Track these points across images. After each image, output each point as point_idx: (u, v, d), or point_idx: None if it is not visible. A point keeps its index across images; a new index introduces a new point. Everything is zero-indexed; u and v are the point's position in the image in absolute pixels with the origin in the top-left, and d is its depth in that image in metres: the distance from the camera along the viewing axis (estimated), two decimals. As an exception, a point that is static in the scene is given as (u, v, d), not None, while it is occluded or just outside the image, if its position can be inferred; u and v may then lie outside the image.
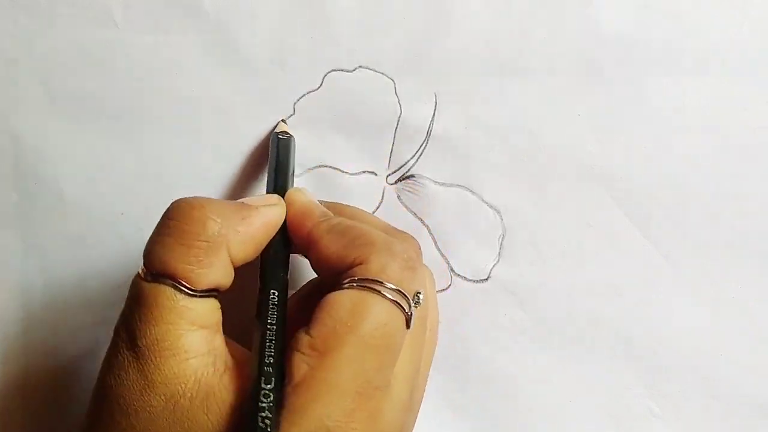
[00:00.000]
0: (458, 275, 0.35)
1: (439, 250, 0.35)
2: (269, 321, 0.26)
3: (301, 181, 0.35)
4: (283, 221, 0.28)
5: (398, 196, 0.35)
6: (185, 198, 0.26)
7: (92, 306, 0.35)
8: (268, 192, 0.31)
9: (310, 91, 0.34)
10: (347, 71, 0.34)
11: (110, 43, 0.34)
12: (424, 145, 0.35)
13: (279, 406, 0.23)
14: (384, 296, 0.25)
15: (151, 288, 0.25)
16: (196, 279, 0.25)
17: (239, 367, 0.25)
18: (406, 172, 0.35)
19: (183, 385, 0.24)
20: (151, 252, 0.25)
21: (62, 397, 0.35)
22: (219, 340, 0.26)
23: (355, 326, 0.24)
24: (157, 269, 0.25)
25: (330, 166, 0.35)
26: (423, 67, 0.34)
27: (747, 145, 0.34)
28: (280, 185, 0.31)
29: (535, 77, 0.34)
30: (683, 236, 0.35)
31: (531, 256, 0.35)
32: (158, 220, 0.26)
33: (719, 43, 0.34)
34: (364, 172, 0.35)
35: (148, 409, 0.24)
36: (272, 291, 0.27)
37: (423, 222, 0.35)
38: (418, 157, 0.35)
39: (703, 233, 0.35)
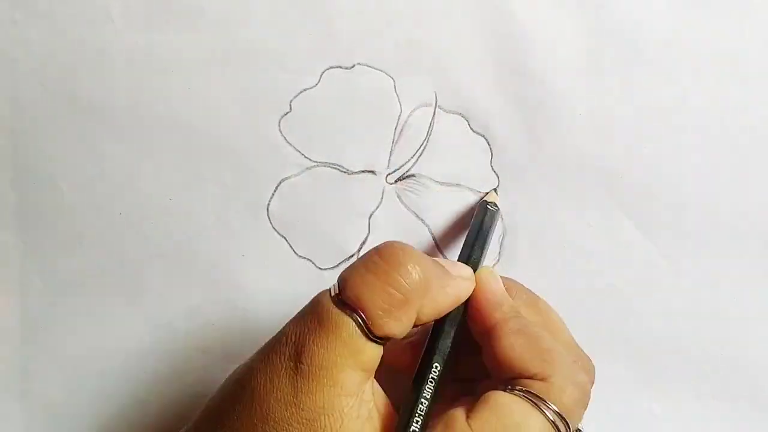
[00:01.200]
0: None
1: (439, 249, 0.35)
2: (424, 394, 0.26)
3: (300, 181, 0.35)
4: (467, 297, 0.29)
5: (398, 196, 0.35)
6: (401, 244, 0.26)
7: (91, 306, 0.35)
8: (461, 259, 0.31)
9: (307, 89, 0.34)
10: (346, 68, 0.34)
11: (109, 42, 0.34)
12: (424, 144, 0.35)
13: None
14: (547, 417, 0.25)
15: (337, 315, 0.25)
16: (381, 325, 0.25)
17: (382, 418, 0.26)
18: (406, 171, 0.35)
19: (327, 418, 0.24)
20: (350, 280, 0.26)
21: (62, 397, 0.36)
22: (369, 387, 0.26)
23: None
24: (350, 300, 0.25)
25: (329, 165, 0.35)
26: (423, 65, 0.34)
27: (747, 145, 0.34)
28: (474, 257, 0.31)
29: (535, 77, 0.34)
30: (683, 236, 0.35)
31: (531, 256, 0.35)
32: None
33: (719, 43, 0.34)
34: (363, 171, 0.35)
35: (286, 426, 0.24)
36: (435, 363, 0.27)
37: (423, 221, 0.35)
38: (419, 157, 0.35)
39: (703, 233, 0.35)
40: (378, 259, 0.26)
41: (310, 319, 0.25)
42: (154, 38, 0.34)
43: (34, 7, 0.34)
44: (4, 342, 0.35)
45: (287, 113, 0.34)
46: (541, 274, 0.35)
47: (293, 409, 0.24)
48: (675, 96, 0.34)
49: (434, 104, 0.35)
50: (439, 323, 0.28)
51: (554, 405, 0.25)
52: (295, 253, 0.35)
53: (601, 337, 0.35)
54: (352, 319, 0.25)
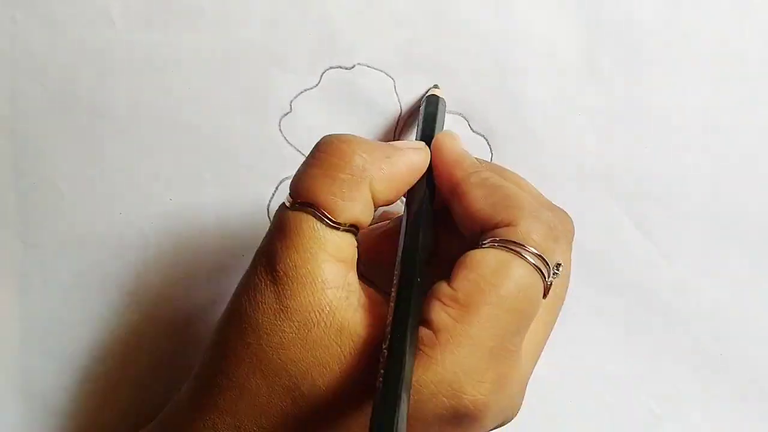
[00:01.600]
0: None
1: None
2: (410, 266, 0.26)
3: None
4: (427, 167, 0.29)
5: None
6: (335, 134, 0.27)
7: (91, 305, 0.35)
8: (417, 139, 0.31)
9: (308, 89, 0.34)
10: (346, 68, 0.34)
11: (109, 42, 0.34)
12: None
13: (414, 347, 0.24)
14: (527, 260, 0.25)
15: (294, 216, 0.25)
16: (339, 211, 0.25)
17: (372, 305, 0.26)
18: None
19: (317, 314, 0.24)
20: (297, 182, 0.26)
21: (61, 397, 0.36)
22: (353, 277, 0.26)
23: (498, 286, 0.24)
24: (302, 198, 0.25)
25: None
26: (423, 65, 0.34)
27: (747, 145, 0.34)
28: (427, 134, 0.30)
29: (535, 76, 0.34)
30: (683, 236, 0.35)
31: None
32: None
33: (719, 42, 0.34)
34: None
35: (280, 334, 0.24)
36: (416, 236, 0.27)
37: None
38: None
39: (703, 233, 0.35)
40: (318, 153, 0.26)
41: (273, 231, 0.26)
42: (154, 38, 0.34)
43: (34, 7, 0.34)
44: (3, 342, 0.35)
45: (287, 113, 0.35)
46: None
47: (283, 316, 0.24)
48: (675, 96, 0.34)
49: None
50: (409, 198, 0.28)
51: (528, 246, 0.25)
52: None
53: (601, 337, 0.35)
54: (309, 213, 0.25)
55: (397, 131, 0.35)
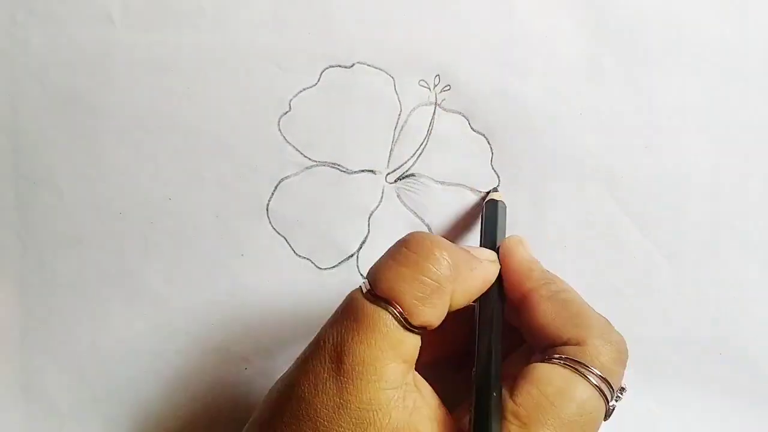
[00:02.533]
0: None
1: None
2: (484, 379, 0.27)
3: (300, 180, 0.35)
4: (495, 278, 0.29)
5: (398, 195, 0.35)
6: (426, 233, 0.27)
7: (91, 306, 0.35)
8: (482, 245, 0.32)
9: (307, 88, 0.35)
10: (345, 67, 0.35)
11: (108, 41, 0.34)
12: (424, 143, 0.35)
13: None
14: (590, 382, 0.26)
15: (372, 309, 0.25)
16: (417, 314, 0.25)
17: (428, 407, 0.26)
18: (406, 170, 0.35)
19: (375, 413, 0.25)
20: (382, 274, 0.26)
21: (61, 397, 0.36)
22: (411, 377, 0.26)
23: (561, 407, 0.25)
24: (384, 293, 0.25)
25: (329, 165, 0.35)
26: (423, 64, 0.34)
27: (747, 145, 0.35)
28: (490, 239, 0.32)
29: (535, 76, 0.34)
30: (683, 236, 0.35)
31: None
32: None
33: (719, 43, 0.34)
34: (363, 170, 0.35)
35: (336, 427, 0.24)
36: (490, 349, 0.28)
37: (423, 221, 0.35)
38: (418, 156, 0.35)
39: (703, 233, 0.35)
40: (406, 251, 0.26)
41: (346, 318, 0.26)
42: (154, 38, 0.34)
43: (35, 7, 0.34)
44: (3, 342, 0.35)
45: (287, 112, 0.35)
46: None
47: (341, 410, 0.24)
48: (675, 96, 0.34)
49: (434, 103, 0.35)
50: (483, 305, 0.29)
51: (594, 368, 0.26)
52: (294, 252, 0.35)
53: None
54: (389, 311, 0.25)
55: (396, 131, 0.35)
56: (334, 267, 0.35)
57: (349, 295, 0.27)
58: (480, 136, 0.35)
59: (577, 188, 0.35)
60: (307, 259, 0.35)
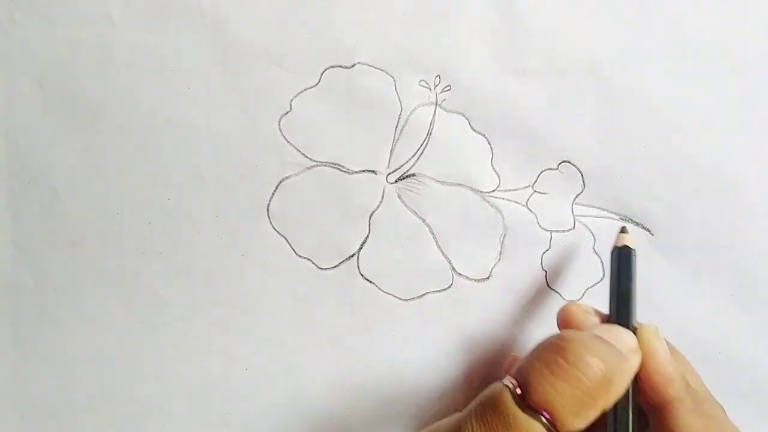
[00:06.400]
0: (459, 274, 0.36)
1: (440, 249, 0.36)
2: None
3: (301, 180, 0.35)
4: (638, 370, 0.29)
5: (399, 195, 0.36)
6: (579, 339, 0.27)
7: (87, 308, 0.36)
8: (612, 316, 0.31)
9: (307, 88, 0.35)
10: (346, 68, 0.35)
11: (107, 41, 0.34)
12: (424, 143, 0.35)
13: None
14: None
15: (525, 420, 0.25)
16: (569, 425, 0.25)
17: None
18: (407, 170, 0.35)
19: None
20: (536, 383, 0.26)
21: (57, 400, 0.36)
22: None
23: None
24: (539, 405, 0.25)
25: (330, 165, 0.35)
26: (423, 64, 0.35)
27: (747, 144, 0.35)
28: (624, 315, 0.30)
29: (536, 76, 0.35)
30: (684, 236, 0.35)
31: (532, 255, 0.36)
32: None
33: (719, 42, 0.34)
34: (364, 170, 0.35)
35: None
36: None
37: (424, 221, 0.36)
38: (419, 156, 0.35)
39: (703, 233, 0.35)
40: (560, 360, 0.26)
41: (494, 418, 0.26)
42: (154, 38, 0.34)
43: (34, 6, 0.34)
44: (-2, 344, 0.36)
45: (287, 113, 0.35)
46: (542, 272, 0.36)
47: None
48: (675, 96, 0.35)
49: (434, 103, 0.35)
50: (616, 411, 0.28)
51: None
52: (295, 252, 0.36)
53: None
54: (542, 424, 0.25)
55: (397, 131, 0.35)
56: (334, 267, 0.36)
57: (494, 392, 0.26)
58: (480, 136, 0.35)
59: (578, 188, 0.36)
60: (307, 259, 0.36)
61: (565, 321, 0.31)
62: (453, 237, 0.36)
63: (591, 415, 0.26)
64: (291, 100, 0.35)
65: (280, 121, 0.35)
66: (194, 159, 0.35)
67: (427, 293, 0.36)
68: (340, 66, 0.35)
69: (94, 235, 0.35)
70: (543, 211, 0.36)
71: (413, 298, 0.36)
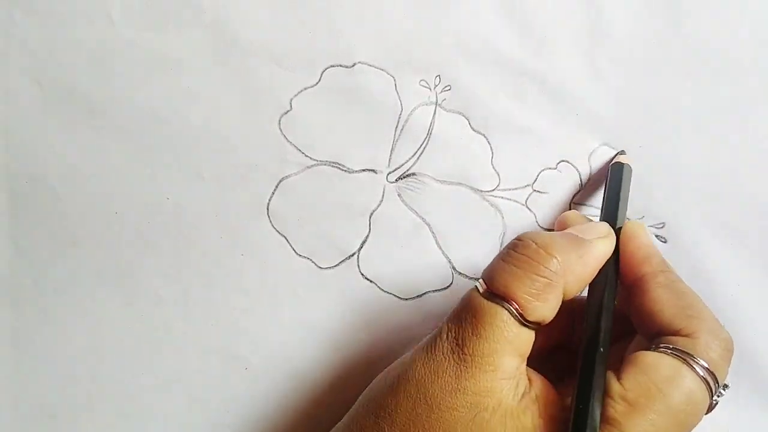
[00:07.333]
0: (460, 273, 0.36)
1: (440, 248, 0.36)
2: (589, 354, 0.28)
3: (301, 179, 0.36)
4: (611, 254, 0.30)
5: (399, 195, 0.36)
6: (533, 234, 0.29)
7: (85, 308, 0.36)
8: (601, 218, 0.33)
9: (308, 87, 0.35)
10: (346, 67, 0.35)
11: (107, 40, 0.34)
12: (424, 142, 0.36)
13: None
14: (699, 374, 0.27)
15: (489, 307, 0.28)
16: (531, 310, 0.28)
17: (536, 394, 0.28)
18: (407, 170, 0.36)
19: (488, 400, 0.27)
20: (496, 274, 0.28)
21: (56, 400, 0.36)
22: (523, 367, 0.29)
23: (668, 395, 0.26)
24: (500, 292, 0.28)
25: (330, 164, 0.36)
26: (423, 64, 0.35)
27: (747, 144, 0.35)
28: (611, 212, 0.32)
29: (536, 76, 0.35)
30: (683, 235, 0.36)
31: None
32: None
33: (719, 43, 0.34)
34: (364, 169, 0.36)
35: (451, 410, 0.27)
36: (598, 327, 0.29)
37: (424, 220, 0.36)
38: (419, 155, 0.36)
39: (702, 232, 0.35)
40: (516, 252, 0.28)
41: (465, 314, 0.28)
42: (154, 38, 0.34)
43: (33, 6, 0.34)
44: (-3, 343, 0.36)
45: (287, 112, 0.35)
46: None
47: (458, 396, 0.27)
48: (675, 96, 0.35)
49: (435, 103, 0.35)
50: (595, 287, 0.30)
51: (702, 361, 0.27)
52: (295, 252, 0.36)
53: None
54: (505, 308, 0.27)
55: (397, 130, 0.36)
56: (334, 267, 0.36)
57: (466, 294, 0.29)
58: (480, 136, 0.35)
59: (578, 188, 0.36)
60: (308, 258, 0.36)
61: (561, 226, 0.33)
62: (453, 236, 0.36)
63: (552, 299, 0.28)
64: (291, 100, 0.35)
65: (280, 121, 0.35)
66: (194, 159, 0.35)
67: (427, 292, 0.36)
68: (341, 65, 0.35)
69: (93, 235, 0.35)
70: (542, 210, 0.36)
71: (413, 298, 0.36)
